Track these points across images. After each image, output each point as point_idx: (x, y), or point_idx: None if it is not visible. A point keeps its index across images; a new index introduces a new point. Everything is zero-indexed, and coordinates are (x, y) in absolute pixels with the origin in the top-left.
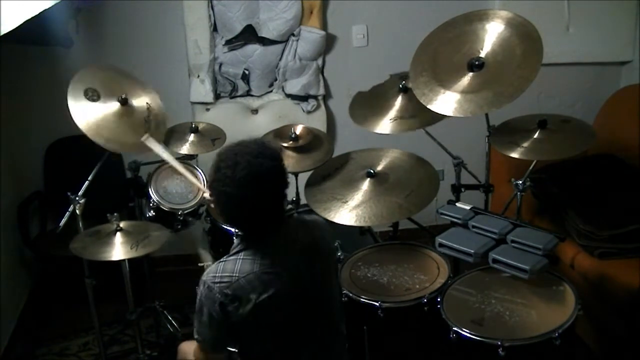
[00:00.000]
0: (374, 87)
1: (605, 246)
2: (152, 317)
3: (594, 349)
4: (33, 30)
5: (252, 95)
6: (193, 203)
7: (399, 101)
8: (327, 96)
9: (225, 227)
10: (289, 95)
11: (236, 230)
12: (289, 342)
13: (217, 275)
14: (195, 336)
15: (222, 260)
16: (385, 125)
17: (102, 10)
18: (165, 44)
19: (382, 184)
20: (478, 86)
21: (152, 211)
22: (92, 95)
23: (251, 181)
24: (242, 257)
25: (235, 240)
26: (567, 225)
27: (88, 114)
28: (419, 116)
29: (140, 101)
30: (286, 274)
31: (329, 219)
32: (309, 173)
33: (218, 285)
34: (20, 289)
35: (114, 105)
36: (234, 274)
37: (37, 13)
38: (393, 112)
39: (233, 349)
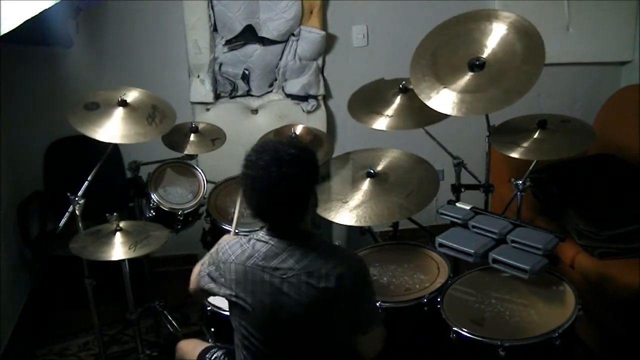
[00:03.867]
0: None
1: (605, 246)
2: (152, 317)
3: (594, 349)
4: (33, 30)
5: (252, 95)
6: (193, 203)
7: (398, 100)
8: (327, 96)
9: (225, 227)
10: (289, 95)
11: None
12: (258, 346)
13: (225, 246)
14: (201, 264)
15: (241, 235)
16: (381, 121)
17: (102, 10)
18: (165, 44)
19: (382, 184)
20: (485, 85)
21: (152, 211)
22: (92, 106)
23: (271, 165)
24: (249, 244)
25: None
26: (567, 225)
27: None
28: (418, 116)
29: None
30: (271, 286)
31: (329, 219)
32: None
33: (218, 256)
34: (20, 289)
35: (116, 109)
36: (231, 256)
37: (37, 13)
38: (391, 111)
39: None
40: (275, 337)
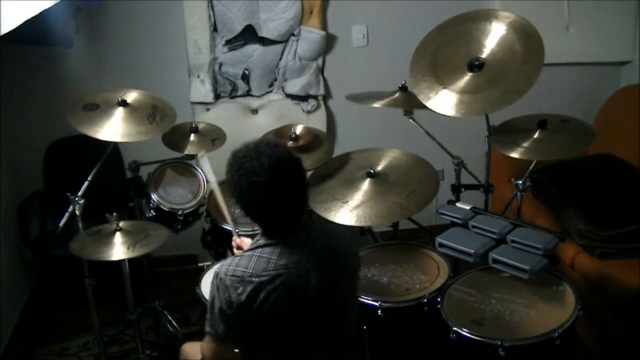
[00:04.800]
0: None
1: (605, 246)
2: (152, 317)
3: (594, 349)
4: (33, 30)
5: (252, 95)
6: (193, 203)
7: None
8: (327, 96)
9: (225, 227)
10: (289, 95)
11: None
12: (295, 348)
13: (230, 268)
14: (207, 329)
15: (238, 254)
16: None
17: (102, 10)
18: (165, 44)
19: (382, 184)
20: (484, 85)
21: (152, 211)
22: (91, 107)
23: (278, 167)
24: (258, 254)
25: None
26: (567, 225)
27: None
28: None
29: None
30: (300, 278)
31: (329, 219)
32: (309, 173)
33: (230, 278)
34: (20, 289)
35: (116, 109)
36: (247, 270)
37: (37, 13)
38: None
39: (235, 349)
40: (319, 329)
